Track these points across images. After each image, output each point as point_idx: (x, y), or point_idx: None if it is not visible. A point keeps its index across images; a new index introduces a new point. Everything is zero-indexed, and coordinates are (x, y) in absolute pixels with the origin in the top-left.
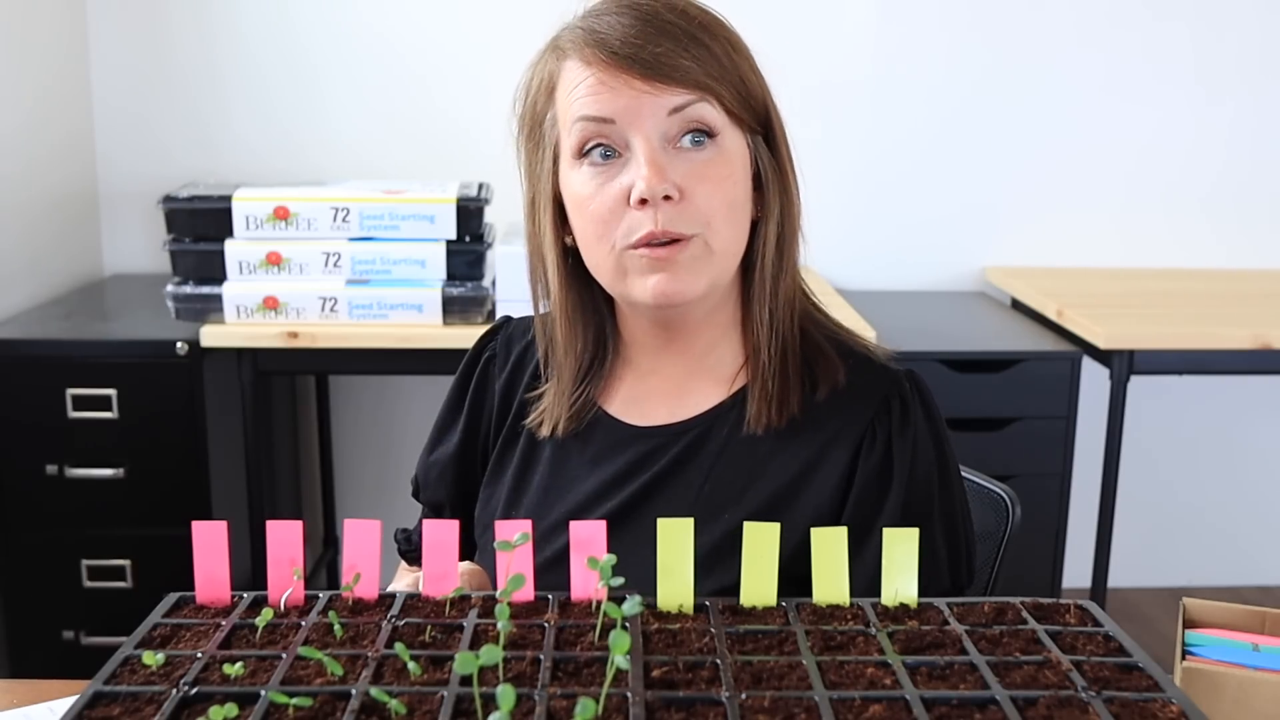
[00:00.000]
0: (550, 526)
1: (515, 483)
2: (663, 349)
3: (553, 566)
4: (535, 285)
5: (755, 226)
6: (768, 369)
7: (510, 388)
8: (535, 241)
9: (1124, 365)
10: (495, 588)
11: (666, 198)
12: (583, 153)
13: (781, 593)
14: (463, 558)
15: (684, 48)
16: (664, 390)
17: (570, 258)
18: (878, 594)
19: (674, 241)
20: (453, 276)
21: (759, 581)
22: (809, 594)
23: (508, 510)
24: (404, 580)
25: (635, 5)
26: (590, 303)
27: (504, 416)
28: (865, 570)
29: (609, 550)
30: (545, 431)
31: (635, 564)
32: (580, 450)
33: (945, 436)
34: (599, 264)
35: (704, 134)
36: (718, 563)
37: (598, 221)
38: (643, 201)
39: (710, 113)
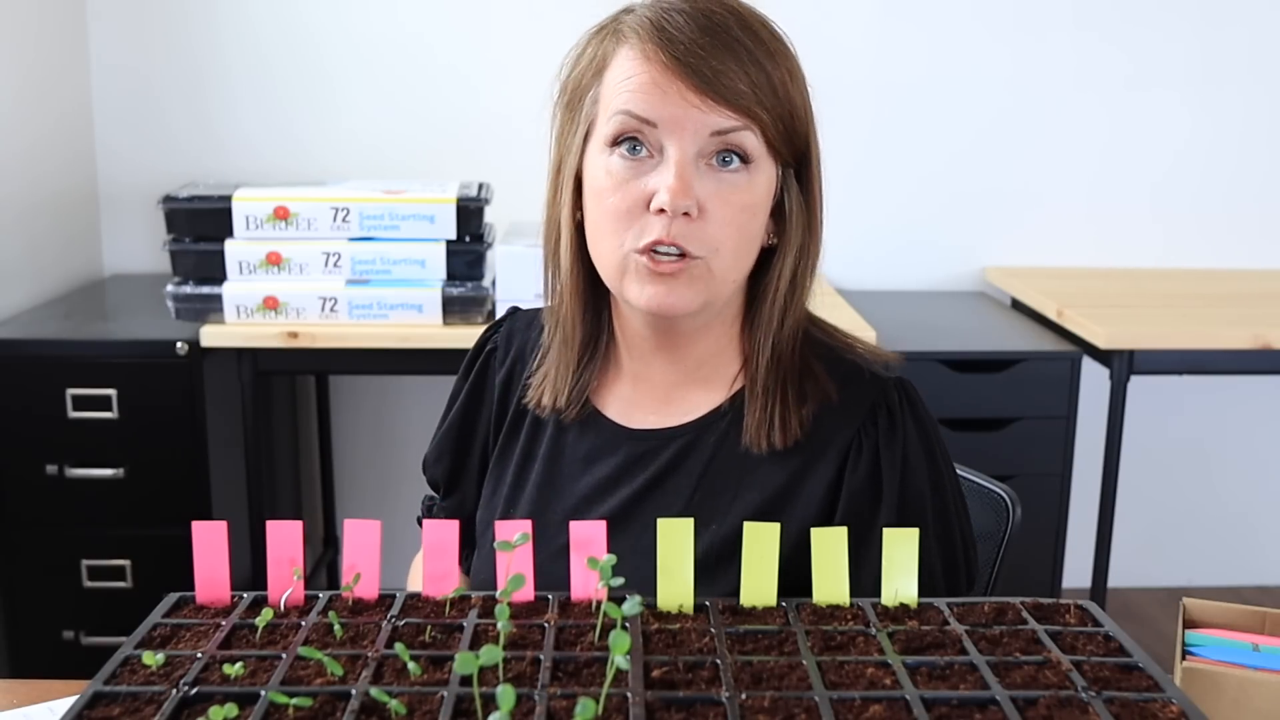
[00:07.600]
0: (545, 526)
1: (515, 479)
2: (656, 352)
3: (548, 565)
4: (548, 252)
5: (770, 255)
6: (766, 395)
7: (509, 382)
8: (554, 210)
9: (1124, 365)
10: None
11: (685, 213)
12: (615, 142)
13: None
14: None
15: (744, 69)
16: (656, 395)
17: (580, 232)
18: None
19: (679, 256)
20: (453, 276)
21: (759, 582)
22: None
23: (507, 508)
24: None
25: (708, 12)
26: (598, 279)
27: (503, 412)
28: (863, 586)
29: None
30: (542, 402)
31: (628, 569)
32: (574, 448)
33: (937, 445)
34: (603, 257)
35: (738, 157)
36: (702, 575)
37: (613, 217)
38: (661, 210)
39: (751, 141)
